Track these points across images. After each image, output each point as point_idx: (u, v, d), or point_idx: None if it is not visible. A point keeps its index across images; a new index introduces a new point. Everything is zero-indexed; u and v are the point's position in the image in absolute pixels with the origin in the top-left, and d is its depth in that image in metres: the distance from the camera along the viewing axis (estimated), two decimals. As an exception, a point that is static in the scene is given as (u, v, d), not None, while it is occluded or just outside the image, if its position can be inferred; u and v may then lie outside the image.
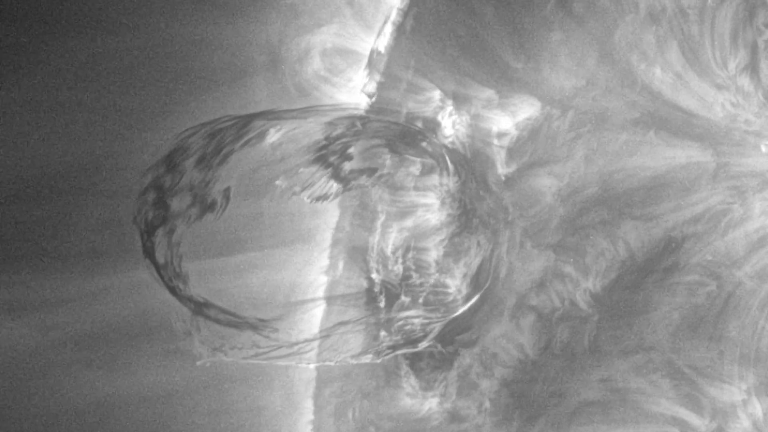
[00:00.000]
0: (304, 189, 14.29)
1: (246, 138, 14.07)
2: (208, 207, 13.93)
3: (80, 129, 12.97)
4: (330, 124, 14.45)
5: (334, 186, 14.50)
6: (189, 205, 13.88)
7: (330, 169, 14.40)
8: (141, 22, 13.02)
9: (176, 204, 13.87)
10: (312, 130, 14.35)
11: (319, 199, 14.48)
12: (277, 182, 14.01)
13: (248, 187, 14.10)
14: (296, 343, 14.79)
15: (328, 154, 14.36)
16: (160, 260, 13.83)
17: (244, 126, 14.09)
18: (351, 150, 14.55)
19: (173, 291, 13.96)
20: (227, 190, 13.95)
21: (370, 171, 14.63)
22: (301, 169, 14.19)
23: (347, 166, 14.47)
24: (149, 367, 13.86)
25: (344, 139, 14.46)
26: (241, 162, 13.99)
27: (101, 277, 13.32)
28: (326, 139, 14.39)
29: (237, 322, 14.31)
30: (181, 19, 13.27)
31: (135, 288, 13.60)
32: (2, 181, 12.67)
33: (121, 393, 13.73)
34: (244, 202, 14.10)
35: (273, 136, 14.11)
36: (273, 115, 14.26)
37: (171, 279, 13.93)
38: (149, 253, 13.76)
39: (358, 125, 14.56)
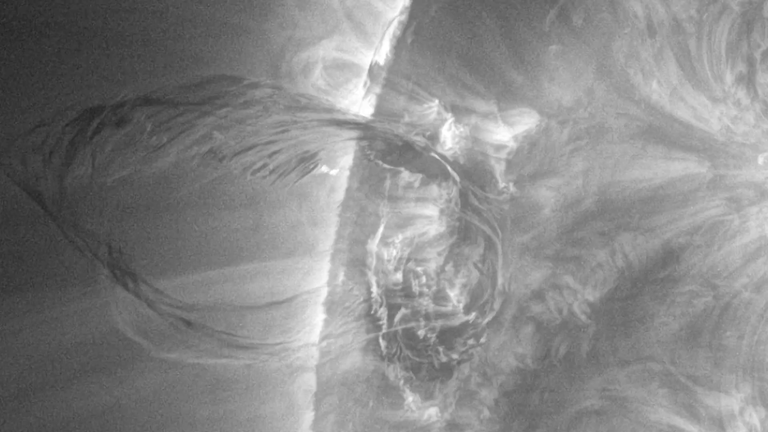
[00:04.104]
0: (235, 154, 13.50)
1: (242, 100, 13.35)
2: (122, 121, 12.40)
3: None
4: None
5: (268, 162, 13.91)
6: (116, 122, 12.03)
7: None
8: (147, 35, 13.06)
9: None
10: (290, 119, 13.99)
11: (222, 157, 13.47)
12: (215, 133, 13.11)
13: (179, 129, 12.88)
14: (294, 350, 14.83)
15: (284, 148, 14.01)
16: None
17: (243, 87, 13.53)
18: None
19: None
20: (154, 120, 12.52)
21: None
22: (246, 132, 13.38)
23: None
24: (149, 375, 13.88)
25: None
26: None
27: (102, 291, 13.33)
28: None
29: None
30: (185, 34, 13.31)
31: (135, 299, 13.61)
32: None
33: (121, 401, 13.75)
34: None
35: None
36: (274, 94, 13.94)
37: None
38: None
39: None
